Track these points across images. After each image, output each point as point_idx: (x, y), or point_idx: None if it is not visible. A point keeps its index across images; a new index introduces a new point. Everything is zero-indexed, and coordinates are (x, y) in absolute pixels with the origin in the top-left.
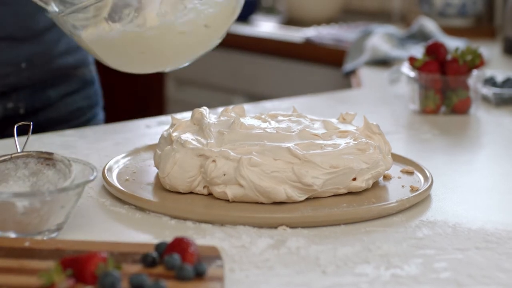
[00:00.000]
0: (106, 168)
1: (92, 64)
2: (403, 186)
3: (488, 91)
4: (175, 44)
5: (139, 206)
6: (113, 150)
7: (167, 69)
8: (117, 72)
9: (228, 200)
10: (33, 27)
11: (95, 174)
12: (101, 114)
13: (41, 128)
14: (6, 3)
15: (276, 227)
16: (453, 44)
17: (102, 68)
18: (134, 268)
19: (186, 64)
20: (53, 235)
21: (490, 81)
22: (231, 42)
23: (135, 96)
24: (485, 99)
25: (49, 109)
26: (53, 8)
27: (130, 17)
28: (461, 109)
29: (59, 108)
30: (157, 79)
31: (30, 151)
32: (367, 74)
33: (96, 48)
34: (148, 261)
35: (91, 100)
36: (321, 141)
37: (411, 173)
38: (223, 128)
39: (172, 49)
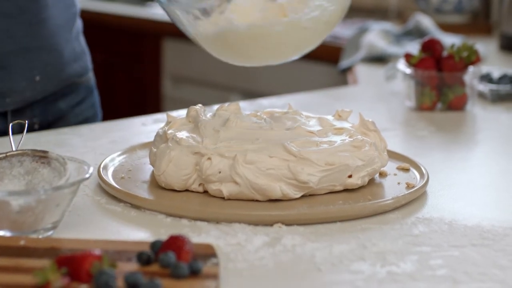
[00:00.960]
0: (102, 166)
1: (91, 70)
2: (399, 183)
3: (484, 87)
4: (297, 39)
5: (135, 204)
6: (109, 148)
7: (280, 62)
8: (112, 69)
9: (223, 198)
10: (45, 34)
11: (90, 172)
12: None
13: None
14: (13, 16)
15: (271, 225)
16: (449, 40)
17: (99, 66)
18: (129, 266)
19: (296, 58)
20: (49, 233)
21: (486, 78)
22: None
23: (131, 94)
24: (481, 95)
25: (60, 122)
26: None
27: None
28: (457, 105)
29: (69, 119)
30: (153, 77)
31: (25, 150)
32: (363, 71)
33: (213, 43)
34: (143, 259)
35: (95, 108)
36: (316, 138)
37: (407, 170)
38: (218, 125)
39: (293, 44)
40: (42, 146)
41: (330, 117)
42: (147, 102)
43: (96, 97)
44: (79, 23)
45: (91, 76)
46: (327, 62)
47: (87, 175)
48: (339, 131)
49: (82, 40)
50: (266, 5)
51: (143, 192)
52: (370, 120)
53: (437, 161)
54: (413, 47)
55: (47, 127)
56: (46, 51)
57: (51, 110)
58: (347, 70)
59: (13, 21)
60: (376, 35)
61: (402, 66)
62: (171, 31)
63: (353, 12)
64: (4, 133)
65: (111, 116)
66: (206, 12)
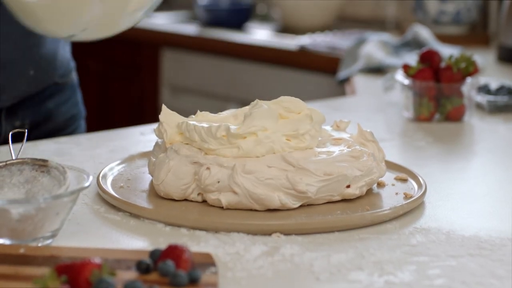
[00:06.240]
0: (101, 175)
1: (74, 70)
2: (397, 193)
3: (482, 98)
4: None
5: (134, 213)
6: (108, 157)
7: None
8: (111, 79)
9: (222, 207)
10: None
11: (89, 181)
12: (83, 125)
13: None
14: (12, 21)
15: (270, 234)
16: (447, 51)
17: (97, 75)
18: (128, 275)
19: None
20: (48, 242)
21: (484, 89)
22: (226, 50)
23: (130, 103)
24: (479, 106)
25: (48, 121)
26: None
27: None
28: (455, 116)
29: (57, 118)
30: (152, 86)
31: (25, 158)
32: (361, 82)
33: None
34: (142, 268)
35: (79, 106)
36: (315, 149)
37: (405, 180)
38: None
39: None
40: (41, 155)
41: (328, 128)
42: (146, 111)
43: (79, 95)
44: None
45: (74, 76)
46: (325, 73)
47: (87, 184)
48: (338, 141)
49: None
50: None
51: (142, 201)
52: (368, 130)
53: (435, 172)
54: (411, 58)
55: (36, 126)
56: (41, 47)
57: (40, 110)
58: (345, 80)
59: (13, 26)
60: (374, 46)
61: (400, 77)
62: (170, 40)
63: (351, 23)
64: None
65: (109, 126)
66: None
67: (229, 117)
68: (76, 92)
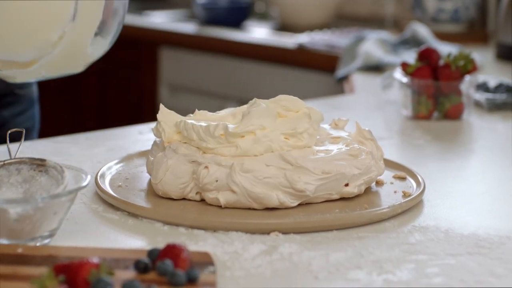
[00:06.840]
0: (99, 174)
1: (35, 85)
2: (395, 192)
3: (480, 96)
4: None
5: (132, 212)
6: (106, 157)
7: None
8: (109, 78)
9: (220, 206)
10: None
11: (87, 180)
12: (35, 138)
13: None
14: None
15: (268, 233)
16: (446, 49)
17: (95, 74)
18: (126, 274)
19: None
20: (46, 241)
21: (483, 87)
22: (224, 48)
23: (128, 102)
24: (477, 104)
25: (2, 129)
26: None
27: None
28: (453, 114)
29: (10, 128)
30: (150, 85)
31: (23, 158)
32: (359, 80)
33: None
34: (140, 267)
35: (34, 120)
36: (313, 147)
37: (403, 178)
38: None
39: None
40: (39, 154)
41: (326, 126)
42: (144, 110)
43: (36, 109)
44: None
45: (34, 90)
46: (323, 71)
47: (85, 183)
48: (336, 140)
49: None
50: None
51: (140, 201)
52: (366, 129)
53: (434, 170)
54: (410, 56)
55: None
56: None
57: None
58: (344, 79)
59: None
60: (373, 44)
61: (398, 75)
62: (168, 39)
63: (350, 21)
64: None
65: (108, 125)
66: None
67: (227, 116)
68: (34, 105)
